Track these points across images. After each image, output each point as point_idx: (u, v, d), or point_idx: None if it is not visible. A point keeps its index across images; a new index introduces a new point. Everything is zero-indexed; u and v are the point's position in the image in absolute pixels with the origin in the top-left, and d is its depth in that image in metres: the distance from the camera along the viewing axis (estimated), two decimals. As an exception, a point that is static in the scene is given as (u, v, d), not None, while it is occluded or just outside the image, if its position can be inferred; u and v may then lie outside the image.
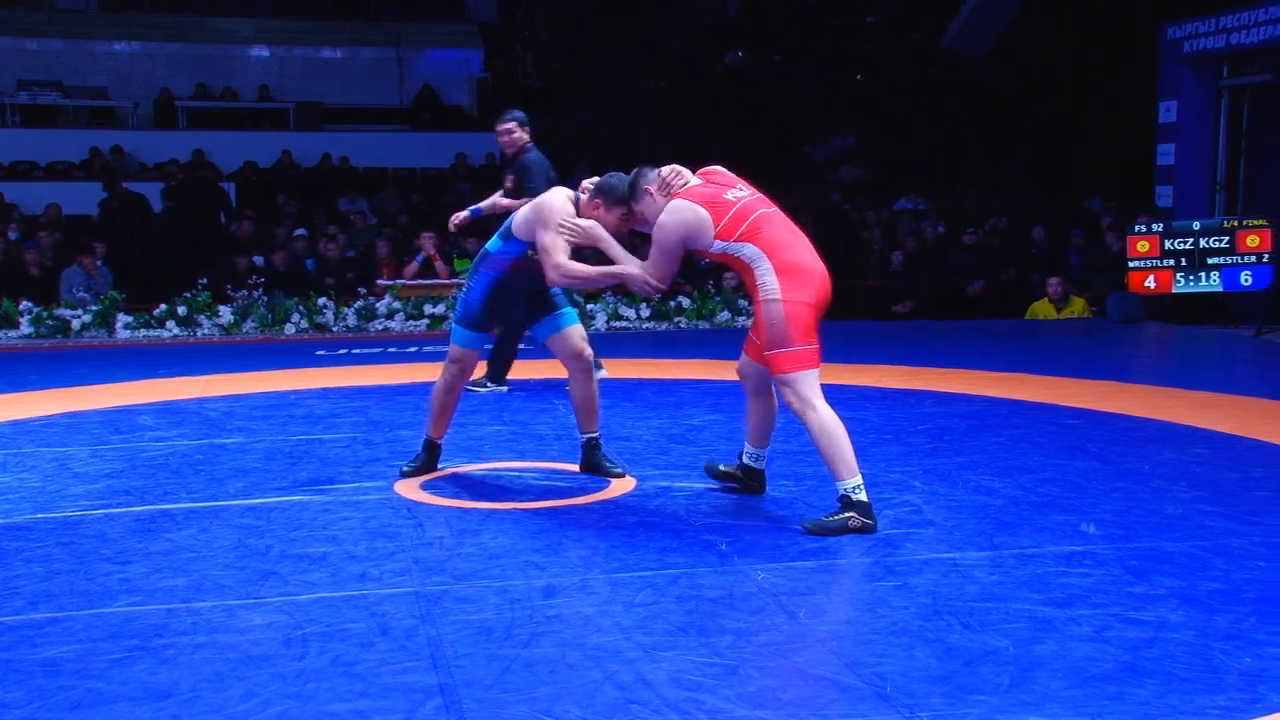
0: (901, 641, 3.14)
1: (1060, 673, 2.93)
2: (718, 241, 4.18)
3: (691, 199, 4.23)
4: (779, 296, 4.09)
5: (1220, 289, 10.55)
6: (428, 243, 11.53)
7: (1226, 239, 10.46)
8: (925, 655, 3.05)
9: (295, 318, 10.80)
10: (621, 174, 4.56)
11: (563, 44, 19.99)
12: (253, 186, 15.35)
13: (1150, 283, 10.73)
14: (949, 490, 4.74)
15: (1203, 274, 10.55)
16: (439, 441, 5.11)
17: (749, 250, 4.16)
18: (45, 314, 10.50)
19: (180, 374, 8.13)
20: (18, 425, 6.33)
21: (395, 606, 3.43)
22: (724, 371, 7.73)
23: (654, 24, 20.67)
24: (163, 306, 10.70)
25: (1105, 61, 17.76)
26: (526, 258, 4.73)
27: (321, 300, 10.92)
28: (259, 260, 12.15)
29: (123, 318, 10.59)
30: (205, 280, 10.99)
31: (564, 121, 18.18)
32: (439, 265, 11.36)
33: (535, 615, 3.35)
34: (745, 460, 4.68)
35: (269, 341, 10.41)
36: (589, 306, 11.01)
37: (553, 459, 5.38)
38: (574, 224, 4.52)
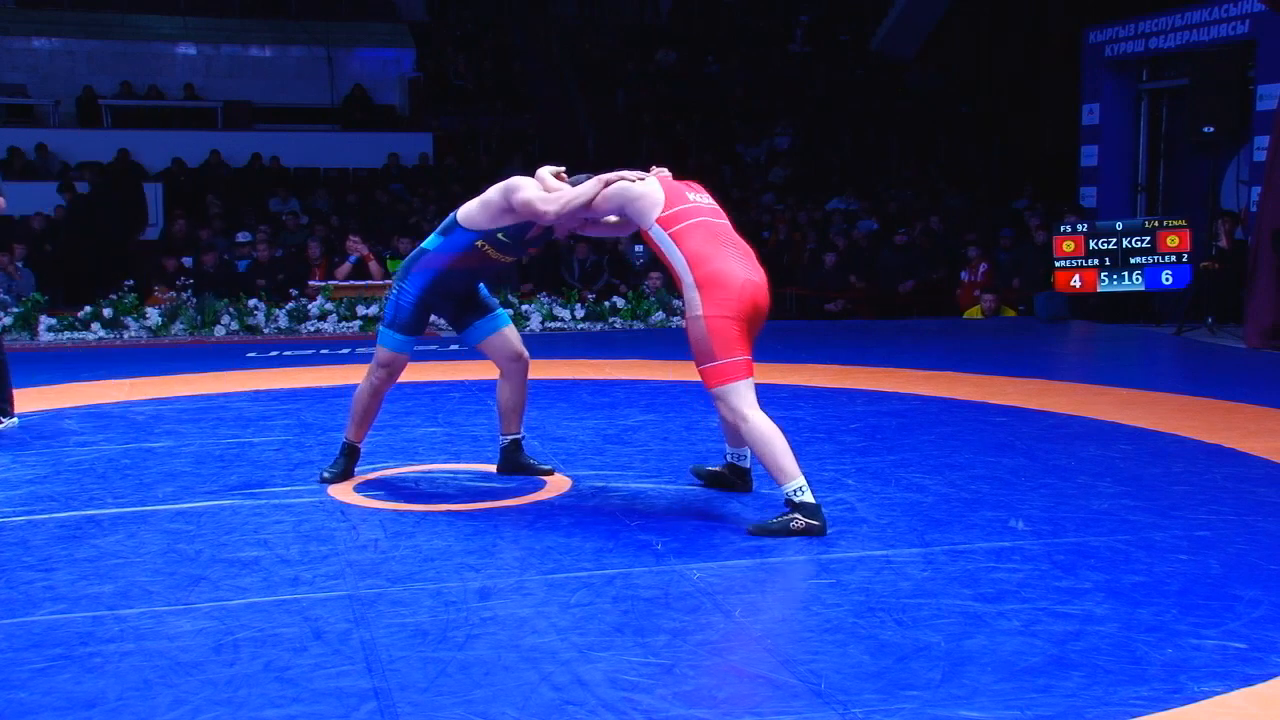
0: (835, 638, 3.18)
1: (990, 667, 2.98)
2: (657, 226, 4.29)
3: (661, 183, 4.41)
4: (700, 313, 4.15)
5: (1143, 288, 10.79)
6: (358, 245, 11.43)
7: (1148, 239, 10.70)
8: (859, 652, 3.08)
9: (225, 319, 10.65)
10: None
11: (494, 44, 19.93)
12: (181, 186, 15.10)
13: (1076, 282, 10.94)
14: (881, 488, 4.80)
15: (1126, 273, 10.78)
16: (359, 445, 5.02)
17: (678, 257, 4.24)
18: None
19: (106, 377, 7.97)
20: (-64, 431, 6.17)
21: (329, 610, 3.40)
22: (659, 372, 7.75)
23: (586, 24, 20.69)
24: (88, 309, 10.48)
25: (1029, 64, 18.11)
26: (472, 250, 4.61)
27: (252, 302, 10.77)
28: (188, 262, 11.96)
29: (46, 320, 10.36)
30: (132, 282, 10.78)
31: (496, 122, 18.14)
32: (372, 266, 11.27)
33: (470, 617, 3.34)
34: (729, 460, 4.73)
35: (198, 344, 10.24)
36: (524, 308, 10.99)
37: (488, 460, 5.35)
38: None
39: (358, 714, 2.74)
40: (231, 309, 10.68)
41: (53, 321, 10.37)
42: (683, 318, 11.21)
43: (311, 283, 11.35)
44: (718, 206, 4.46)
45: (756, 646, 3.14)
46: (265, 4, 19.57)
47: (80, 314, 10.45)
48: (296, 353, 9.34)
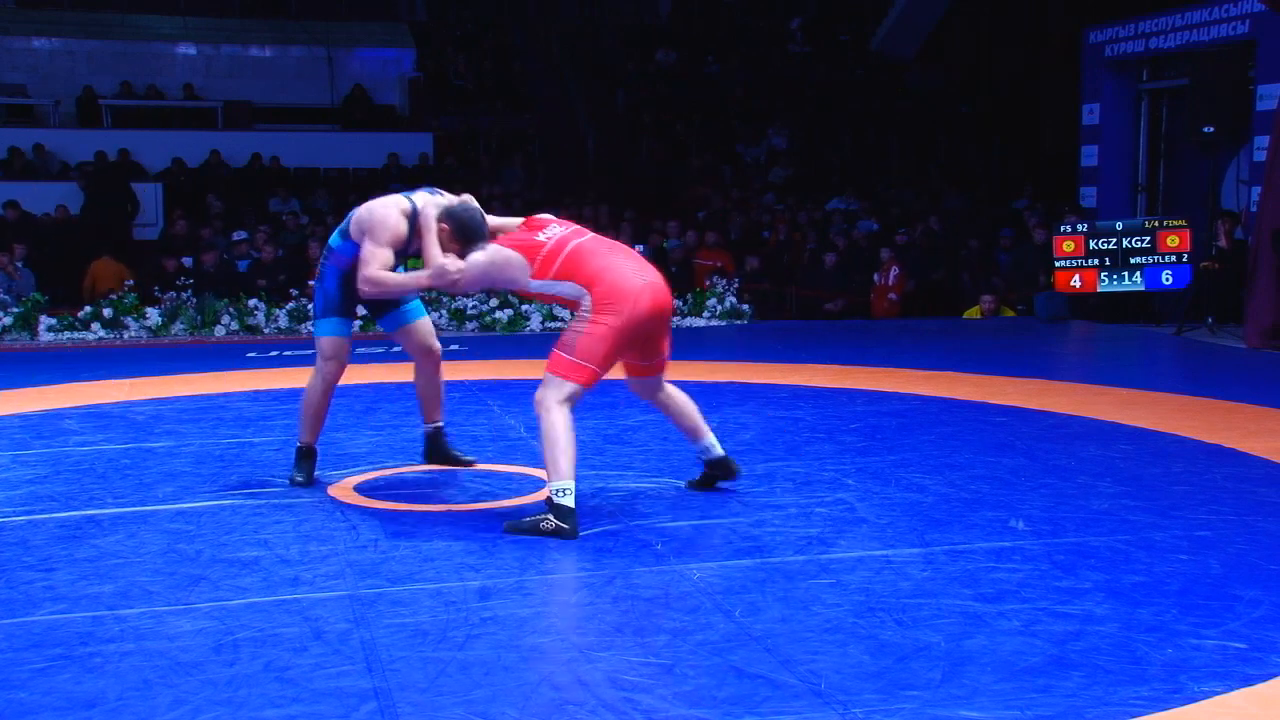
0: (835, 638, 3.18)
1: (990, 667, 2.98)
2: (534, 281, 4.34)
3: (506, 244, 4.42)
4: (589, 315, 4.23)
5: (1143, 288, 10.78)
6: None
7: (1148, 239, 10.69)
8: (859, 652, 3.08)
9: (225, 319, 10.64)
10: (477, 208, 4.62)
11: (494, 44, 19.93)
12: (181, 186, 15.09)
13: (1076, 282, 10.94)
14: (881, 488, 4.80)
15: (1126, 273, 10.78)
16: (315, 447, 4.99)
17: (570, 289, 4.29)
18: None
19: (106, 377, 7.97)
20: (-64, 431, 6.17)
21: (329, 610, 3.40)
22: (659, 372, 7.75)
23: (586, 24, 20.69)
24: (87, 308, 10.48)
25: (1029, 64, 18.11)
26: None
27: (252, 302, 10.77)
28: (188, 262, 11.95)
29: (46, 320, 10.36)
30: (131, 282, 10.76)
31: (495, 122, 18.14)
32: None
33: (470, 617, 3.34)
34: (702, 459, 4.74)
35: (198, 344, 10.24)
36: (524, 307, 10.98)
37: (488, 460, 5.36)
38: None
39: (358, 714, 2.74)
40: (231, 309, 10.68)
41: (53, 321, 10.36)
42: (682, 317, 11.27)
43: (311, 283, 11.32)
44: (577, 226, 4.51)
45: (756, 646, 3.14)
46: (265, 4, 19.55)
47: (80, 314, 10.45)
48: (296, 353, 9.33)
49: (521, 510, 4.49)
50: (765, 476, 4.97)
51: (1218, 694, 2.82)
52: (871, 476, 4.98)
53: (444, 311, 10.99)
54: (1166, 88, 12.42)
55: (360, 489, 4.84)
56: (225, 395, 7.21)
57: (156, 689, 2.87)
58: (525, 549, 4.01)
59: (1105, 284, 10.84)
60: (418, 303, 5.07)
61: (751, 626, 3.28)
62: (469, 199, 4.71)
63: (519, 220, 4.68)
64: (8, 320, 10.29)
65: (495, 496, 4.73)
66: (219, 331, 10.58)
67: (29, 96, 17.27)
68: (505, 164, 16.52)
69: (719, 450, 4.71)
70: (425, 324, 5.05)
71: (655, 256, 12.66)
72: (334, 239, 4.89)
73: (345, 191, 15.49)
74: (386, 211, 4.64)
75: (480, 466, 5.25)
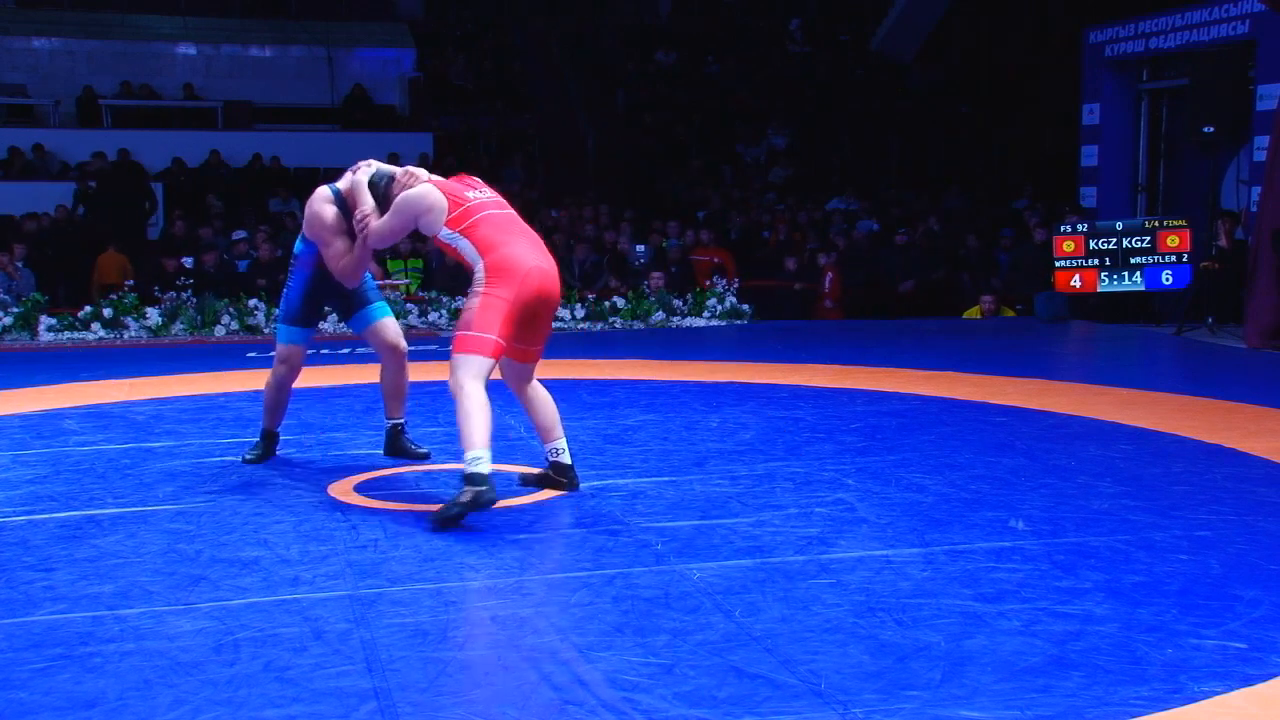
0: (835, 639, 3.18)
1: (990, 667, 2.98)
2: (445, 229, 4.48)
3: (439, 186, 4.59)
4: (480, 290, 4.32)
5: (1143, 288, 10.79)
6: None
7: (1148, 239, 10.70)
8: (859, 652, 3.08)
9: (225, 319, 10.64)
10: (376, 170, 4.92)
11: (494, 44, 19.94)
12: (181, 186, 15.09)
13: (1076, 282, 10.95)
14: (881, 488, 4.80)
15: (1126, 273, 10.78)
16: (276, 431, 5.38)
17: (467, 247, 4.41)
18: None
19: (106, 377, 7.97)
20: (-64, 431, 6.17)
21: (329, 610, 3.40)
22: (659, 372, 7.75)
23: (586, 24, 20.70)
24: (88, 308, 10.48)
25: (1029, 64, 18.11)
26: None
27: (252, 301, 10.77)
28: (188, 262, 11.95)
29: (46, 320, 10.36)
30: (132, 282, 10.76)
31: (495, 122, 18.15)
32: (373, 266, 11.25)
33: (471, 617, 3.34)
34: (549, 459, 4.74)
35: (198, 344, 10.24)
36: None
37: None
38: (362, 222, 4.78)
39: (358, 714, 2.74)
40: (231, 309, 10.68)
41: (53, 321, 10.37)
42: (682, 317, 11.27)
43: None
44: (500, 199, 4.63)
45: (756, 646, 3.14)
46: (265, 4, 19.55)
47: (80, 314, 10.45)
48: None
49: (520, 510, 4.49)
50: (765, 476, 4.97)
51: (1218, 694, 2.83)
52: (871, 476, 4.98)
53: (444, 311, 10.99)
54: (1166, 88, 12.42)
55: (360, 489, 4.84)
56: (225, 395, 7.21)
57: (156, 689, 2.88)
58: (525, 549, 4.01)
59: (1105, 284, 10.85)
60: (383, 303, 5.28)
61: (751, 626, 3.28)
62: (372, 163, 5.03)
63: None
64: (8, 320, 10.29)
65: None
66: (219, 331, 10.58)
67: (29, 96, 17.27)
68: (505, 164, 16.52)
69: (567, 459, 4.70)
70: (391, 323, 5.23)
71: (655, 256, 12.67)
72: (297, 245, 5.14)
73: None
74: (319, 210, 4.92)
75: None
